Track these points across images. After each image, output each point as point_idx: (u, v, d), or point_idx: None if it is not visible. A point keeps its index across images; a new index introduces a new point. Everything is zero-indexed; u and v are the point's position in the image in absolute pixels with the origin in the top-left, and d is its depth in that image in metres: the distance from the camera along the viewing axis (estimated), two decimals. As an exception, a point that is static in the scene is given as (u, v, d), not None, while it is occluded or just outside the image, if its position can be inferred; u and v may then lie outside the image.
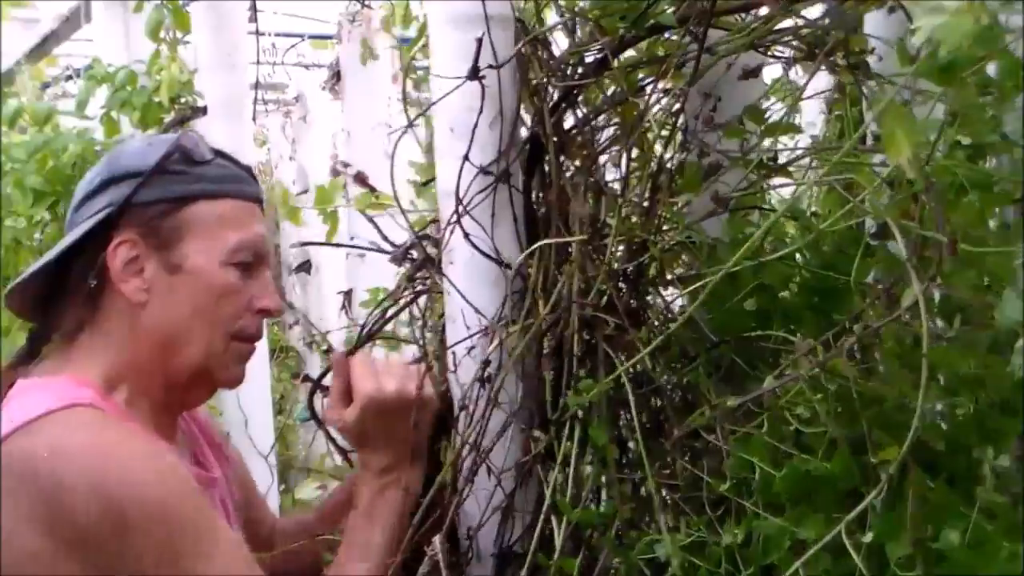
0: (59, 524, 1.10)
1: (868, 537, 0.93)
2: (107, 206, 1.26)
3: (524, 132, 1.29)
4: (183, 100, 2.81)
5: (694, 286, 1.20)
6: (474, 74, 1.19)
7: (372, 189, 1.77)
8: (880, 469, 0.93)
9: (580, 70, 1.28)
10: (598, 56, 1.26)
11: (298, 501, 1.93)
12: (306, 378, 1.46)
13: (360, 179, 1.69)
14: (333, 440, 1.44)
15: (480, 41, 1.18)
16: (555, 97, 1.27)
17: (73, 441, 1.14)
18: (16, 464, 1.13)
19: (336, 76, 3.19)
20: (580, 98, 1.30)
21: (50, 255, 1.28)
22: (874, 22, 1.26)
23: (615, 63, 1.24)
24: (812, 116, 1.56)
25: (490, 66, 1.20)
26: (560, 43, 1.31)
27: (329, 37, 3.49)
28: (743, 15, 1.26)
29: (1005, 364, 0.93)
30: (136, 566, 1.10)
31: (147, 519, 1.11)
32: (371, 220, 1.50)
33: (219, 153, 1.33)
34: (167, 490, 1.14)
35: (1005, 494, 0.95)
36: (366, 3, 2.95)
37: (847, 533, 0.92)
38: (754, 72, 1.28)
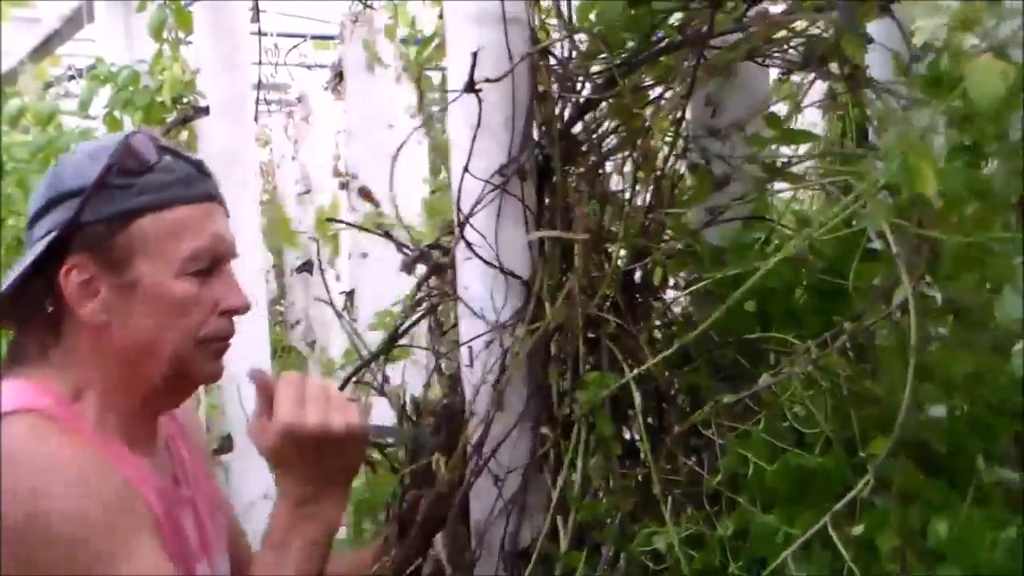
0: None
1: (858, 530, 0.94)
2: (52, 229, 1.23)
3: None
4: (185, 100, 2.83)
5: (694, 287, 1.21)
6: (470, 87, 1.19)
7: (377, 204, 1.77)
8: (868, 463, 0.94)
9: (588, 85, 1.28)
10: (606, 74, 1.26)
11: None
12: None
13: (366, 195, 1.68)
14: None
15: (475, 56, 1.18)
16: (562, 108, 1.27)
17: (9, 450, 1.14)
18: None
19: (338, 76, 3.20)
20: (587, 115, 1.30)
21: (7, 282, 1.25)
22: (873, 27, 1.26)
23: (623, 83, 1.24)
24: (814, 117, 1.56)
25: (486, 79, 1.20)
26: (563, 51, 1.31)
27: (331, 37, 3.50)
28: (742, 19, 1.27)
29: (1003, 364, 0.94)
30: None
31: (69, 528, 1.11)
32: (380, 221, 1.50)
33: (165, 150, 1.27)
34: (91, 501, 1.14)
35: (1000, 492, 0.95)
36: (368, 3, 2.96)
37: (837, 527, 0.93)
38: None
